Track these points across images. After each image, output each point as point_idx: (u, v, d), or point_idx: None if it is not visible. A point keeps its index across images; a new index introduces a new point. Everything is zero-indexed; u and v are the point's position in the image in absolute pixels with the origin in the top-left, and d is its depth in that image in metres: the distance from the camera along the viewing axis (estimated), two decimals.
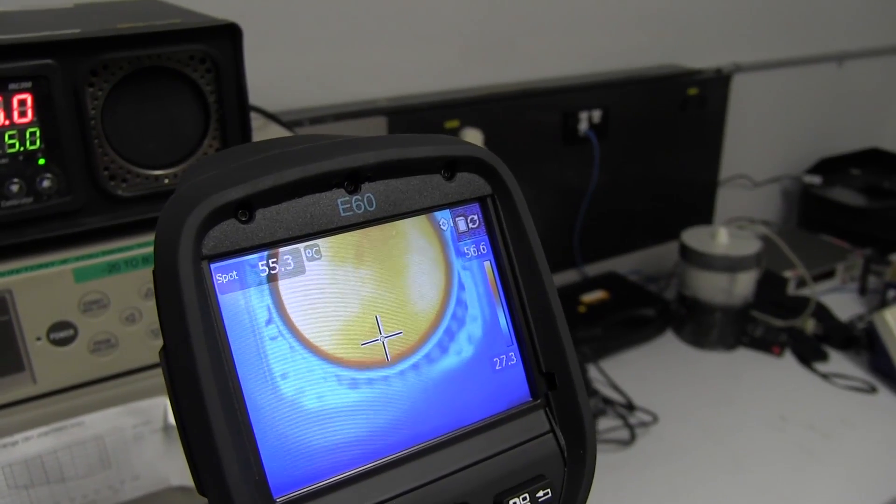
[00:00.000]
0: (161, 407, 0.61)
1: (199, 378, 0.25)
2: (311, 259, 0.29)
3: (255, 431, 0.27)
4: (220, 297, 0.27)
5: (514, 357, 0.33)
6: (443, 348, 0.31)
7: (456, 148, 0.32)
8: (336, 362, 0.29)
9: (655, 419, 1.06)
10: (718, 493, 0.95)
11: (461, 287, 0.32)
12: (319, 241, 0.29)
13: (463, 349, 0.32)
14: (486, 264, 0.33)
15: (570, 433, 0.33)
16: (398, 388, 0.30)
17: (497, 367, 0.33)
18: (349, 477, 0.28)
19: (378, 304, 0.30)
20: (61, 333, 0.59)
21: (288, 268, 0.28)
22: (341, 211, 0.29)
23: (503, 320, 0.33)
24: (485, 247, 0.33)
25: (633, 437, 1.03)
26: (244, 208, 0.28)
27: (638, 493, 0.95)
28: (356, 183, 0.30)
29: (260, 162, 0.29)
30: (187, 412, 0.26)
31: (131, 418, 0.61)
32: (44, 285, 0.57)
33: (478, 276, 0.33)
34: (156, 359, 0.62)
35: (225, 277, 0.27)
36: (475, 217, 0.33)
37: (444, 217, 0.32)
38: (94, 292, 0.59)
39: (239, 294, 0.28)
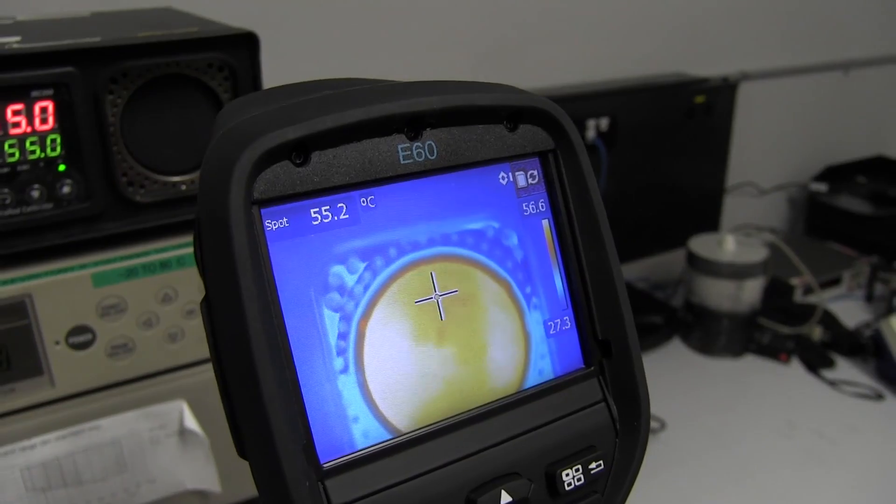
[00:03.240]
0: (177, 411, 0.62)
1: (249, 330, 0.23)
2: (366, 210, 0.27)
3: (303, 390, 0.25)
4: (270, 245, 0.25)
5: (569, 322, 0.32)
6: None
7: (521, 97, 0.30)
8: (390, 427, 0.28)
9: (663, 426, 1.06)
10: (726, 499, 0.95)
11: (540, 356, 0.31)
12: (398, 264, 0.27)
13: None
14: (544, 223, 0.31)
15: (624, 404, 0.31)
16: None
17: (551, 332, 0.31)
18: (398, 443, 0.27)
19: (457, 383, 0.29)
20: (80, 338, 0.59)
21: (343, 217, 0.27)
22: (401, 158, 0.27)
23: (559, 283, 0.31)
24: (543, 204, 0.31)
25: None
26: (299, 150, 0.25)
27: (645, 499, 0.95)
28: (417, 129, 0.28)
29: (316, 101, 0.27)
30: (231, 367, 0.24)
31: (147, 422, 0.61)
32: (63, 290, 0.58)
33: (535, 237, 0.31)
34: (172, 363, 0.63)
35: (275, 224, 0.25)
36: (535, 173, 0.31)
37: (503, 171, 0.30)
38: (112, 297, 0.60)
39: (290, 242, 0.26)
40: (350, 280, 0.27)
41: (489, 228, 0.30)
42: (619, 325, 0.31)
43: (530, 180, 0.31)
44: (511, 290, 0.30)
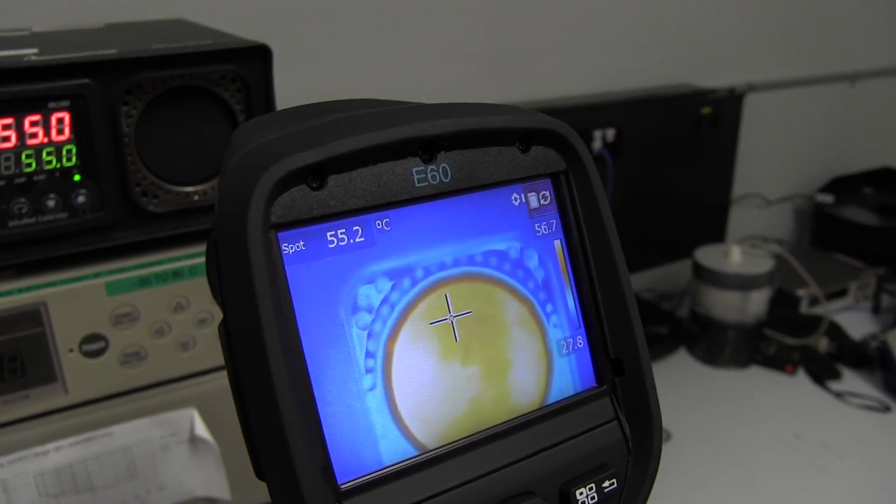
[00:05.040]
0: (188, 419, 0.63)
1: (267, 353, 0.24)
2: (381, 232, 0.27)
3: (320, 411, 0.25)
4: (287, 268, 0.25)
5: (581, 341, 0.32)
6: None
7: (533, 119, 0.30)
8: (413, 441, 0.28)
9: (668, 437, 1.06)
10: None
11: (561, 373, 0.31)
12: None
13: None
14: (556, 243, 0.32)
15: (637, 422, 0.32)
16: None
17: (563, 352, 0.31)
18: (414, 464, 0.27)
19: (482, 401, 0.29)
20: (93, 345, 0.60)
21: (358, 240, 0.27)
22: (416, 181, 0.28)
23: (571, 302, 0.32)
24: (555, 225, 0.32)
25: None
26: (316, 174, 0.26)
27: None
28: (432, 152, 0.28)
29: (331, 125, 0.27)
30: (250, 389, 0.25)
31: (159, 429, 0.62)
32: (77, 298, 0.59)
33: (547, 258, 0.31)
34: (183, 371, 0.64)
35: (292, 248, 0.26)
36: (547, 193, 0.31)
37: (516, 192, 0.31)
38: (125, 305, 0.60)
39: (307, 266, 0.26)
40: (377, 300, 0.27)
41: (512, 249, 0.31)
42: (631, 343, 0.31)
43: (542, 201, 0.31)
44: (533, 310, 0.31)
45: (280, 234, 0.25)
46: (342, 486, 0.26)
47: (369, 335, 0.27)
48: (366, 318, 0.27)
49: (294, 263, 0.26)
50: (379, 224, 0.28)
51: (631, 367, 0.32)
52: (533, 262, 0.31)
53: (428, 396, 0.28)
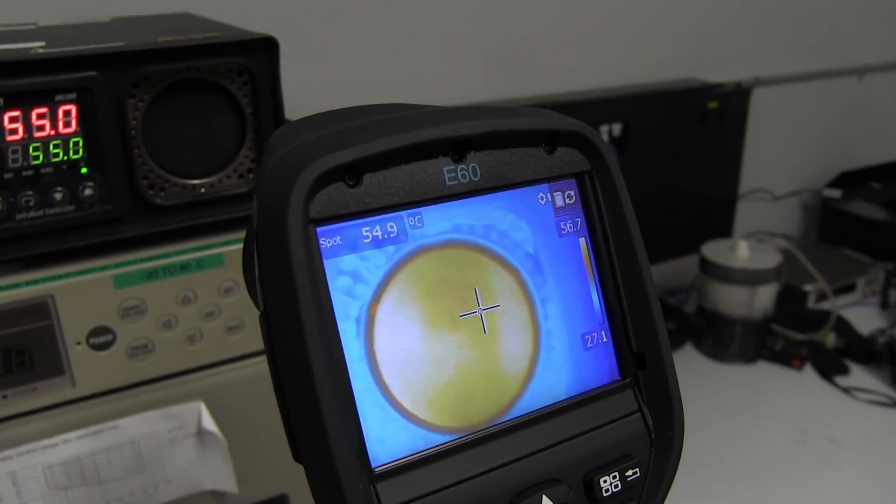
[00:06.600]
0: (195, 412, 0.63)
1: (307, 342, 0.25)
2: (413, 228, 0.29)
3: (356, 397, 0.27)
4: (325, 261, 0.27)
5: (605, 336, 0.33)
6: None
7: (559, 121, 0.32)
8: (419, 423, 0.29)
9: None
10: None
11: (549, 349, 0.32)
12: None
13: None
14: (581, 241, 0.33)
15: (659, 414, 0.33)
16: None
17: (588, 346, 0.33)
18: (443, 450, 0.28)
19: (470, 369, 0.30)
20: (100, 338, 0.60)
21: (391, 235, 0.28)
22: (446, 180, 0.29)
23: (595, 298, 0.33)
24: (580, 223, 0.33)
25: None
26: (352, 172, 0.27)
27: None
28: (462, 152, 0.30)
29: (365, 126, 0.29)
30: (289, 376, 0.26)
31: (166, 423, 0.62)
32: (84, 291, 0.59)
33: (572, 255, 0.33)
34: (191, 364, 0.64)
35: (329, 242, 0.27)
36: (572, 193, 0.33)
37: (542, 192, 0.32)
38: (132, 298, 0.60)
39: (342, 259, 0.27)
40: (363, 267, 0.28)
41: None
42: (654, 338, 0.32)
43: (567, 200, 0.33)
44: (520, 279, 0.32)
45: (318, 229, 0.27)
46: (376, 470, 0.27)
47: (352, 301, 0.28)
48: (348, 282, 0.28)
49: (332, 256, 0.27)
50: (411, 220, 0.29)
51: (653, 360, 0.33)
52: (521, 232, 0.32)
53: (411, 362, 0.29)
